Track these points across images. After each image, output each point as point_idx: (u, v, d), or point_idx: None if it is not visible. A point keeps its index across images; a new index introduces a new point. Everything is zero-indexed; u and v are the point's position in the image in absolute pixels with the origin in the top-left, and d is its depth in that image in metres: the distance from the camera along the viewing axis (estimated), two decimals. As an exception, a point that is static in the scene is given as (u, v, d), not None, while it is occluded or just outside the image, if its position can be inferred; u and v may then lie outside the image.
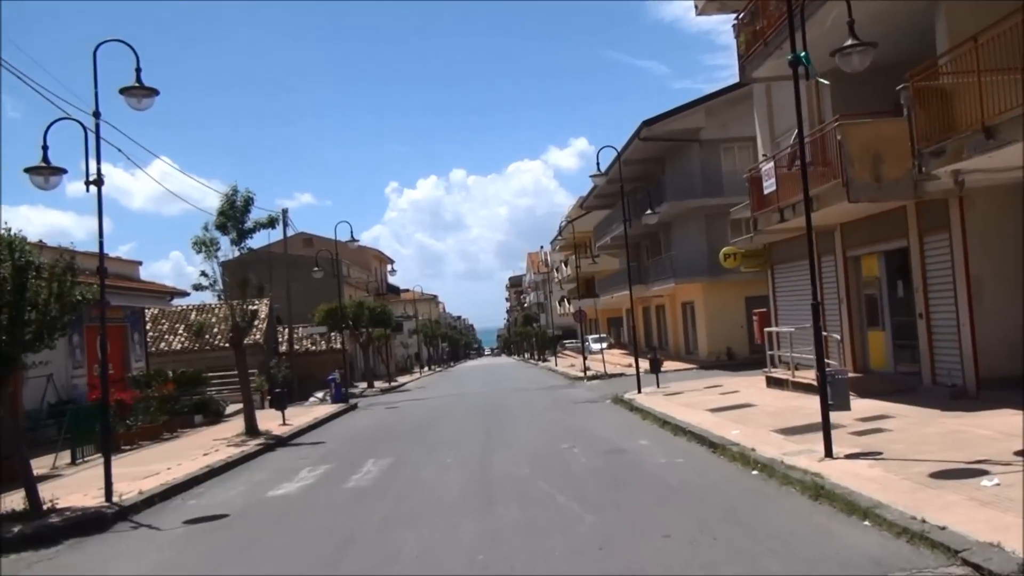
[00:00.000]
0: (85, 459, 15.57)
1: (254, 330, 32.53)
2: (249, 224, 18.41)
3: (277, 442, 17.35)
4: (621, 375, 29.44)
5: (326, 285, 36.12)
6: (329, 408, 26.30)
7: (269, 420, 20.78)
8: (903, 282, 15.03)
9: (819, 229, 10.99)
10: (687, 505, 8.20)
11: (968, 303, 12.79)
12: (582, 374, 32.39)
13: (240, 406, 20.39)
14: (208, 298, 30.21)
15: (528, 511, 8.51)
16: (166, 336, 36.39)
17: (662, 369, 23.38)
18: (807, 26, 10.38)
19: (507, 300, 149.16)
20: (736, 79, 20.67)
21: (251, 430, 18.21)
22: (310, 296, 38.98)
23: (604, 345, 47.36)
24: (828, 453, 9.13)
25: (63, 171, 10.93)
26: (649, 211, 26.20)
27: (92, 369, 19.98)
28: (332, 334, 41.31)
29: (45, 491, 10.55)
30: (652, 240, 39.78)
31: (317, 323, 38.63)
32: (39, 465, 13.11)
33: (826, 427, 9.27)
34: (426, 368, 72.27)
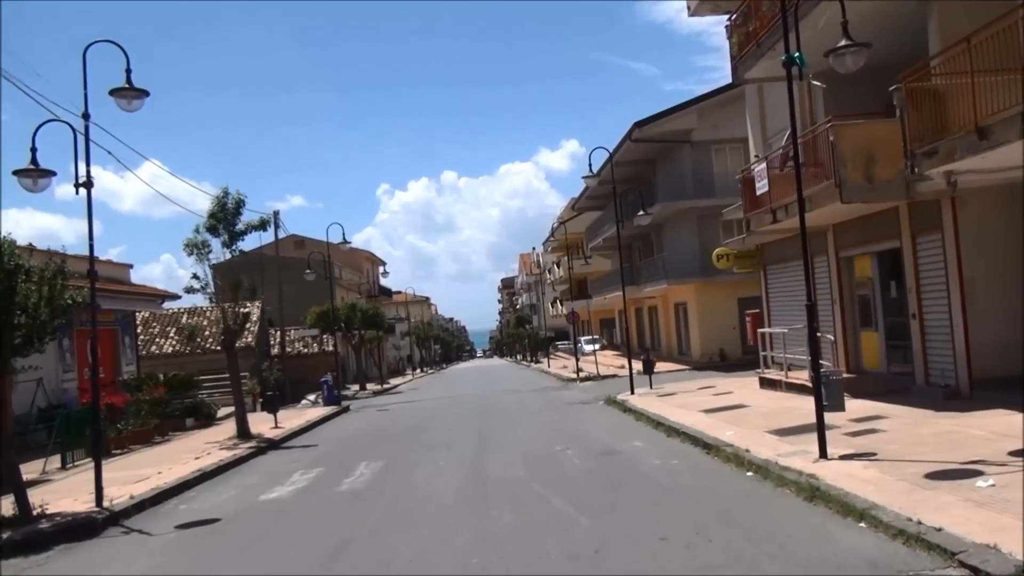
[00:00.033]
0: (75, 464, 15.45)
1: (246, 333, 32.36)
2: (240, 226, 18.34)
3: (269, 445, 17.26)
4: (614, 376, 29.43)
5: (318, 287, 36.02)
6: (321, 411, 26.19)
7: (261, 423, 20.69)
8: (896, 282, 15.06)
9: (811, 230, 10.96)
10: (682, 507, 8.17)
11: (961, 303, 12.81)
12: (575, 375, 32.35)
13: (232, 409, 20.29)
14: (199, 301, 29.95)
15: (522, 514, 8.46)
16: (157, 339, 36.21)
17: (655, 370, 23.36)
18: (800, 27, 10.39)
19: (499, 302, 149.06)
20: (727, 80, 20.77)
21: (243, 433, 18.12)
22: (302, 298, 38.84)
23: (597, 346, 47.29)
24: (823, 454, 9.12)
25: (52, 173, 10.85)
26: (641, 212, 26.20)
27: (82, 373, 19.86)
28: (324, 336, 41.18)
29: (35, 496, 10.46)
30: (644, 241, 39.80)
31: (309, 325, 38.50)
32: (29, 470, 13.01)
33: (821, 428, 9.26)
34: (418, 370, 72.17)
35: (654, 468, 10.62)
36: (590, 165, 23.22)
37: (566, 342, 65.23)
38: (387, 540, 7.85)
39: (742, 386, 19.25)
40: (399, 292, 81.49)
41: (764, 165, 16.55)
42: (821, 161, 13.68)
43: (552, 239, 68.15)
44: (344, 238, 33.59)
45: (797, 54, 9.58)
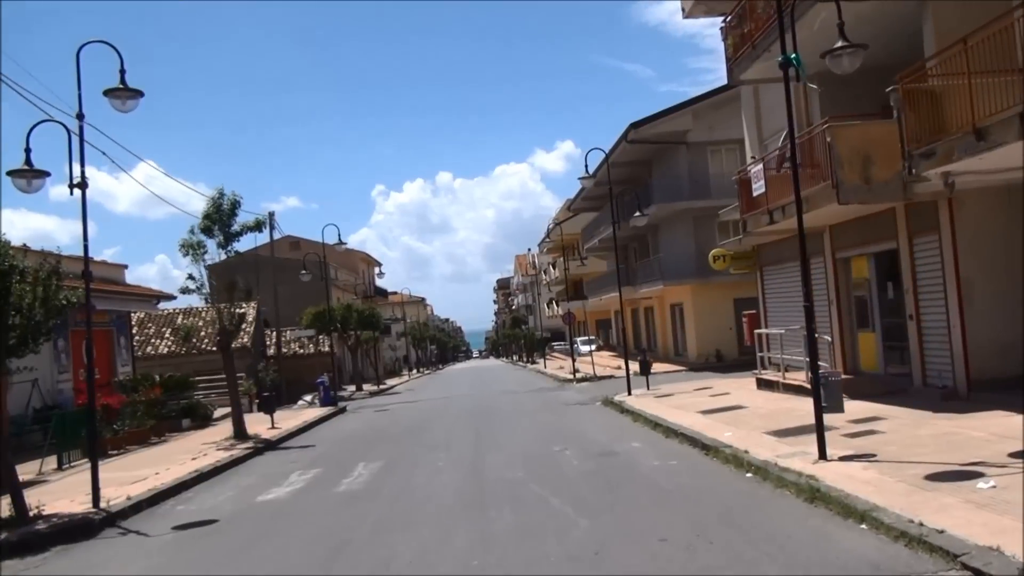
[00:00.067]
0: (72, 464, 15.39)
1: (242, 333, 32.38)
2: (236, 227, 18.30)
3: (266, 446, 17.21)
4: (610, 377, 29.41)
5: (314, 288, 35.96)
6: (318, 411, 26.13)
7: (257, 424, 20.63)
8: (893, 284, 15.07)
9: (808, 231, 10.92)
10: (682, 508, 8.15)
11: (958, 304, 12.82)
12: (571, 376, 32.33)
13: (228, 410, 20.23)
14: (195, 302, 30.02)
15: (521, 515, 8.44)
16: (153, 340, 36.11)
17: (651, 371, 23.36)
18: (796, 28, 10.38)
19: (495, 302, 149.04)
20: (722, 82, 20.80)
21: (240, 434, 18.06)
22: (297, 299, 38.78)
23: (593, 347, 47.25)
24: (822, 455, 9.11)
25: (46, 174, 10.78)
26: (637, 213, 26.14)
27: (78, 374, 19.78)
28: (320, 337, 41.11)
29: (31, 497, 10.40)
30: (640, 242, 39.82)
31: (305, 326, 38.42)
32: (25, 471, 12.94)
33: (820, 429, 9.25)
34: (414, 371, 72.08)
35: (653, 469, 10.61)
36: (586, 166, 23.30)
37: (562, 343, 65.23)
38: (386, 541, 7.82)
39: (739, 387, 19.25)
40: (395, 293, 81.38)
41: (760, 166, 16.55)
42: (818, 162, 13.68)
43: (548, 240, 68.11)
44: (340, 239, 33.53)
45: (794, 55, 9.58)
